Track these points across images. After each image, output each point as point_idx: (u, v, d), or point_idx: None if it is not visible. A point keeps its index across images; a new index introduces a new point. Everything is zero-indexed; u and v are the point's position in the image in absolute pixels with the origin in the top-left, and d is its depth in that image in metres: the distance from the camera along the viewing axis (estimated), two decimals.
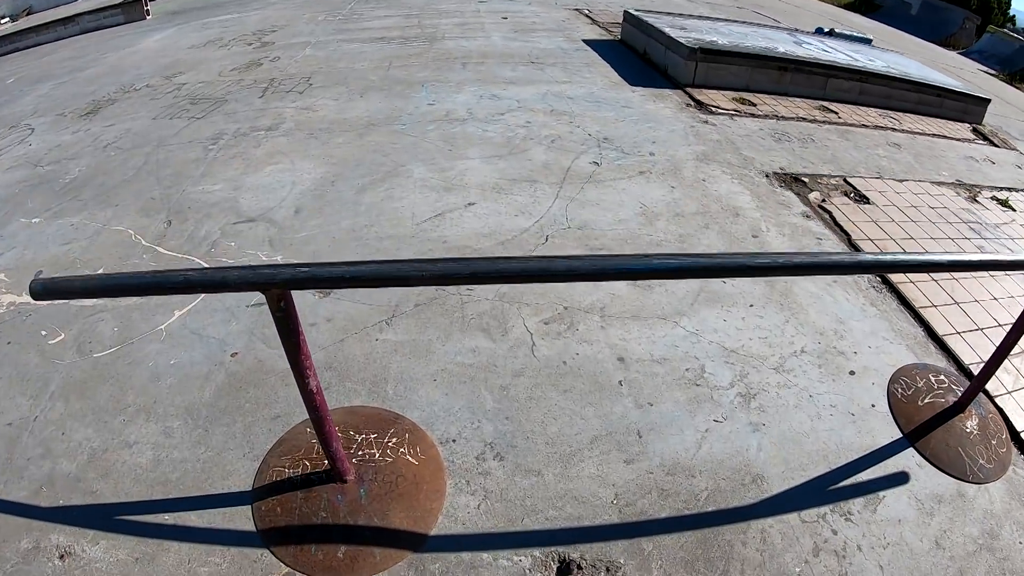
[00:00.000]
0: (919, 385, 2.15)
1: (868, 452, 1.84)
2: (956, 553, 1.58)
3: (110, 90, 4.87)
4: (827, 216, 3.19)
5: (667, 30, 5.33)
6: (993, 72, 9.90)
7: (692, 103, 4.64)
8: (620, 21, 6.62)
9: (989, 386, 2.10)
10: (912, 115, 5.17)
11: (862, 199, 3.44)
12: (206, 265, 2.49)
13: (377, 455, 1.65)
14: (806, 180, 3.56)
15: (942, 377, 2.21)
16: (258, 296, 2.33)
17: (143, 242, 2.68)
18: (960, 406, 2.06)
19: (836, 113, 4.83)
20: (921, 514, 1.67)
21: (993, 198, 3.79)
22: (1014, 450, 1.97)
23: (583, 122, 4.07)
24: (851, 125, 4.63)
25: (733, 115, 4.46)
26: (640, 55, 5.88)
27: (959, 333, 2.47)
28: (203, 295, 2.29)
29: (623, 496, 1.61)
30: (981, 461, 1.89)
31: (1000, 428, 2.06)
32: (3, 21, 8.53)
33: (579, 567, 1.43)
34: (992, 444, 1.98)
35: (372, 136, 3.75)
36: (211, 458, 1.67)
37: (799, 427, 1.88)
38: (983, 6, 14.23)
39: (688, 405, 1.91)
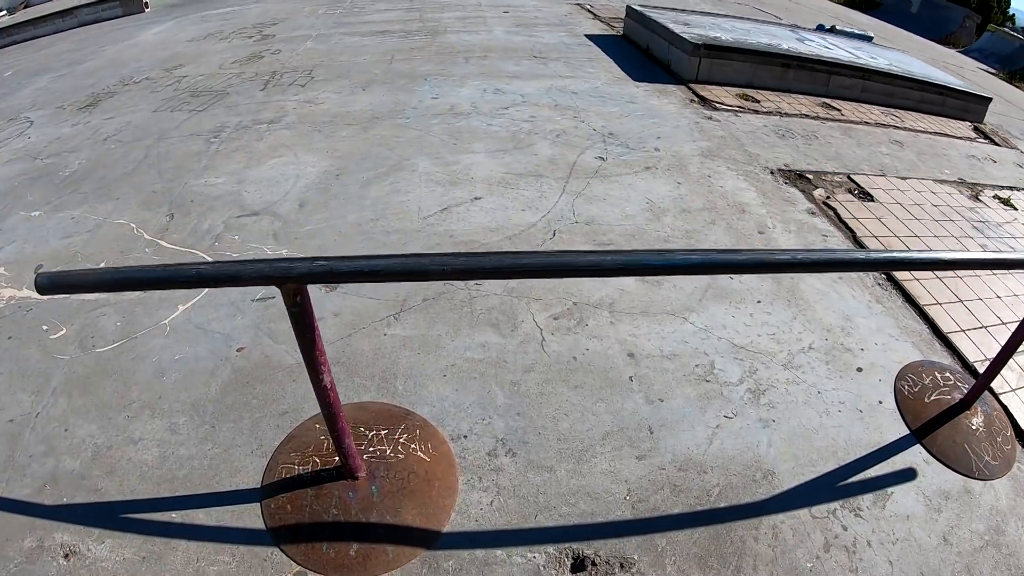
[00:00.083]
0: (925, 382, 2.16)
1: (876, 448, 1.85)
2: (963, 549, 1.59)
3: (109, 83, 4.81)
4: (832, 213, 3.19)
5: (671, 26, 5.31)
6: (993, 71, 9.93)
7: (696, 99, 4.62)
8: (622, 16, 6.59)
9: (993, 383, 2.11)
10: (914, 113, 5.18)
11: (866, 196, 3.44)
12: (209, 259, 2.46)
13: (388, 451, 1.64)
14: (810, 177, 3.56)
15: (947, 374, 2.22)
16: (264, 290, 2.31)
17: (145, 236, 2.65)
18: (966, 403, 2.07)
19: (839, 110, 4.83)
20: (929, 510, 1.68)
21: (995, 197, 3.80)
22: (1019, 447, 1.99)
23: (587, 117, 4.05)
24: (854, 122, 4.63)
25: (737, 111, 4.45)
26: (643, 50, 5.86)
27: (963, 331, 2.48)
28: (207, 289, 2.26)
29: (635, 492, 1.61)
30: (987, 458, 1.90)
31: (1005, 425, 2.07)
32: (1, 14, 8.41)
33: (593, 563, 1.43)
34: (997, 441, 1.99)
35: (376, 130, 3.71)
36: (218, 455, 1.65)
37: (808, 423, 1.88)
38: (983, 5, 14.25)
39: (698, 401, 1.91)
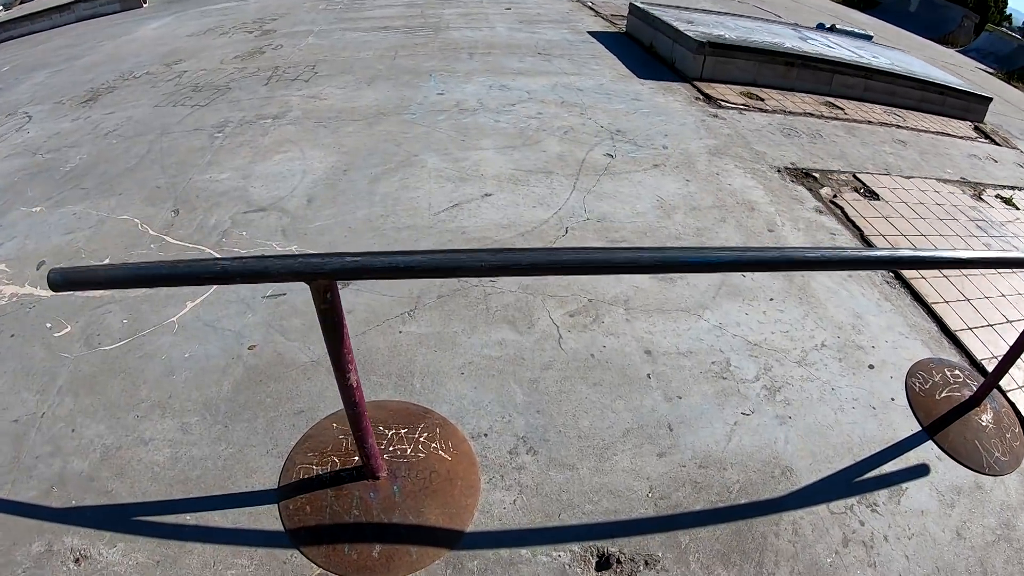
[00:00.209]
0: (936, 379, 2.17)
1: (890, 445, 1.86)
2: (976, 543, 1.60)
3: (109, 78, 4.73)
4: (839, 212, 3.20)
5: (675, 23, 5.30)
6: (991, 71, 10.01)
7: (701, 97, 4.62)
8: (622, 13, 6.58)
9: (1001, 381, 2.13)
10: (915, 112, 5.21)
11: (872, 195, 3.46)
12: (217, 255, 2.43)
13: (408, 451, 1.62)
14: (817, 175, 3.57)
15: (957, 372, 2.24)
16: (274, 287, 2.28)
17: (150, 231, 2.61)
18: (975, 400, 2.09)
19: (842, 109, 4.85)
20: (942, 505, 1.69)
21: (997, 196, 3.83)
22: None
23: (594, 114, 4.04)
24: (857, 121, 4.65)
25: (742, 109, 4.46)
26: (646, 48, 5.85)
27: (971, 329, 2.50)
28: (215, 286, 2.23)
29: (657, 489, 1.61)
30: (997, 454, 1.92)
31: (1013, 422, 2.10)
32: None
33: (618, 561, 1.43)
34: (1007, 437, 2.01)
35: (382, 125, 3.68)
36: (232, 455, 1.62)
37: (824, 420, 1.89)
38: (980, 5, 14.35)
39: (716, 398, 1.91)
